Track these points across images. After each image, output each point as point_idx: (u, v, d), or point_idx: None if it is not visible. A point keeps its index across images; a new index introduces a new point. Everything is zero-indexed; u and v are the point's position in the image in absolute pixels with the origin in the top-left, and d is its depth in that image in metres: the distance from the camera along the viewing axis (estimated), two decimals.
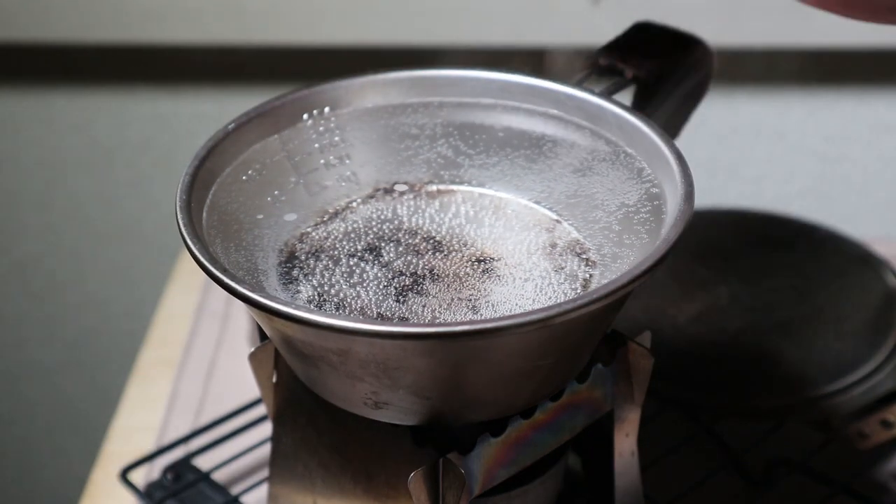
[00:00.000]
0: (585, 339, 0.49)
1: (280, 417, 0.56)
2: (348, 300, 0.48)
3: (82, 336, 1.17)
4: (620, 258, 0.50)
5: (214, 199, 0.51)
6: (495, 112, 0.56)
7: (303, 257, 0.51)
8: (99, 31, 0.98)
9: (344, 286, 0.49)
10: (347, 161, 0.55)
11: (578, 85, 0.55)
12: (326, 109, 0.56)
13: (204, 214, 0.49)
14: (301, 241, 0.52)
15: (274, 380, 0.55)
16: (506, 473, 0.50)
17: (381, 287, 0.49)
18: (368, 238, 0.52)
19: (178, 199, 0.48)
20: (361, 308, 0.48)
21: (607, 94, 0.54)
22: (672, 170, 0.50)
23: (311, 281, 0.49)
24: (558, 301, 0.48)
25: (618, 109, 0.53)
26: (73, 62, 1.03)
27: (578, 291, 0.49)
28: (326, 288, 0.49)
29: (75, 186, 1.09)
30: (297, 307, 0.43)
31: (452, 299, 0.48)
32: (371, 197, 0.54)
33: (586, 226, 0.52)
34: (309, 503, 0.55)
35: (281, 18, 0.96)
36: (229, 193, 0.51)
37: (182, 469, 0.68)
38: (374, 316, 0.48)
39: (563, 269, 0.50)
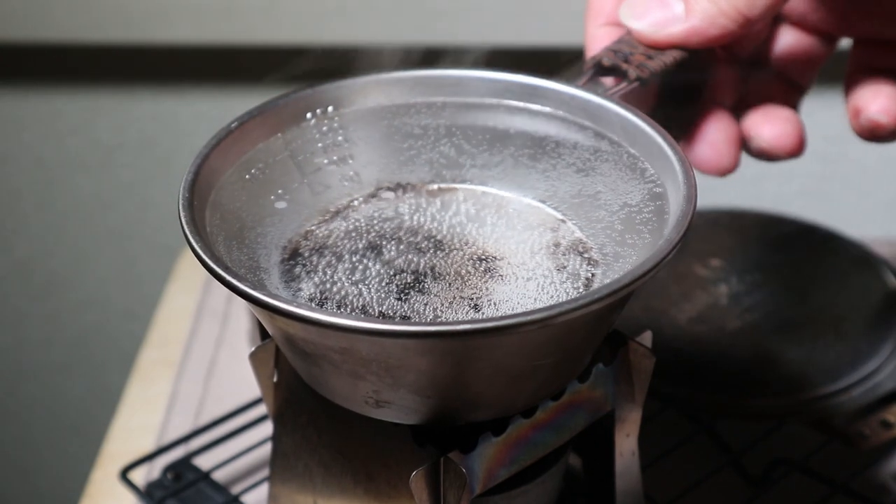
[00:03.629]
0: (587, 338, 0.49)
1: (280, 417, 0.56)
2: (350, 298, 0.48)
3: (82, 336, 1.17)
4: (623, 258, 0.50)
5: (217, 197, 0.51)
6: (498, 112, 0.56)
7: (305, 256, 0.51)
8: (99, 31, 0.98)
9: (346, 284, 0.49)
10: (350, 161, 0.55)
11: (582, 85, 0.55)
12: (330, 109, 0.56)
13: (206, 213, 0.49)
14: (303, 240, 0.52)
15: (274, 379, 0.55)
16: (507, 473, 0.50)
17: (382, 285, 0.49)
18: (370, 236, 0.52)
19: (180, 197, 0.48)
20: (363, 306, 0.48)
21: (610, 95, 0.54)
22: (675, 170, 0.50)
23: (313, 279, 0.49)
24: (560, 300, 0.48)
25: (621, 110, 0.53)
26: (73, 62, 1.03)
27: (580, 291, 0.49)
28: (328, 286, 0.49)
29: (75, 186, 1.09)
30: (300, 305, 0.43)
31: (454, 298, 0.48)
32: (373, 196, 0.54)
33: (589, 225, 0.52)
34: (309, 503, 0.55)
35: (281, 18, 0.96)
36: (232, 192, 0.51)
37: (182, 469, 0.68)
38: (376, 314, 0.48)
39: (565, 268, 0.50)
